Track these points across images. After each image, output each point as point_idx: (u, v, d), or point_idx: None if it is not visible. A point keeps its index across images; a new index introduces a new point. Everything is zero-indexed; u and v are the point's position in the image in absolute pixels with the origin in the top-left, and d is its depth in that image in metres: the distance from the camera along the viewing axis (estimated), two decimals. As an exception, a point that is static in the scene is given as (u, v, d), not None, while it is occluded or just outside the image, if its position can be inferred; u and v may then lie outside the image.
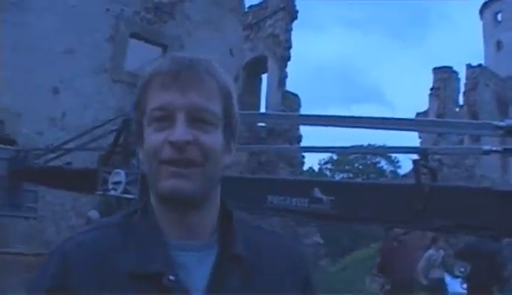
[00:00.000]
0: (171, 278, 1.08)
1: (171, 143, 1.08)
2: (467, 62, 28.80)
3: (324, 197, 3.48)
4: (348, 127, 3.98)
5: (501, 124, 2.99)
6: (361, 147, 5.11)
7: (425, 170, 3.53)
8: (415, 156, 3.51)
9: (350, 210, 3.49)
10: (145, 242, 1.13)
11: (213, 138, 1.13)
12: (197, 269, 1.13)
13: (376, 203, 3.39)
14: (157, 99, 1.12)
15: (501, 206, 2.87)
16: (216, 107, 1.14)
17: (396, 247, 9.24)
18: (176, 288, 1.07)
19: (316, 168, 46.59)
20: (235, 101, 1.22)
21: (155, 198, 1.17)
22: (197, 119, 1.11)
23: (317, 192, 3.54)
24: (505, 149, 3.50)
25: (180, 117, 1.10)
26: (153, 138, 1.11)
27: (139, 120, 1.18)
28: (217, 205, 1.22)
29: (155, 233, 1.14)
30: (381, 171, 47.54)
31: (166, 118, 1.11)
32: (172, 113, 1.10)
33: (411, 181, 3.45)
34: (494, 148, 3.57)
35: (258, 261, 1.19)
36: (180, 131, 1.08)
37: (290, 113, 12.29)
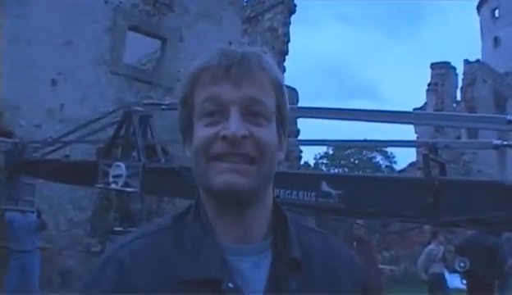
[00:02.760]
0: (230, 285, 1.02)
1: (226, 138, 1.02)
2: (462, 58, 28.84)
3: (332, 191, 3.44)
4: (348, 120, 3.94)
5: (513, 118, 2.94)
6: (365, 141, 5.03)
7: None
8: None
9: (359, 204, 3.45)
10: (200, 246, 1.07)
11: (269, 133, 1.06)
12: (253, 274, 1.07)
13: (385, 197, 3.35)
14: (208, 92, 1.06)
15: (513, 200, 2.83)
16: (269, 101, 1.08)
17: (356, 249, 8.25)
18: (235, 294, 1.02)
19: (312, 163, 46.66)
20: (286, 94, 1.15)
21: (207, 197, 1.10)
22: (251, 113, 1.05)
23: (324, 186, 3.49)
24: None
25: (234, 110, 1.03)
26: (202, 133, 1.05)
27: (188, 117, 1.11)
28: (269, 205, 1.14)
29: (209, 237, 1.08)
30: (377, 166, 47.63)
31: (218, 112, 1.05)
32: (225, 107, 1.04)
33: (410, 175, 3.40)
34: (505, 143, 3.54)
35: (314, 265, 1.14)
36: (236, 125, 1.02)
37: (290, 106, 12.20)
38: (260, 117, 1.06)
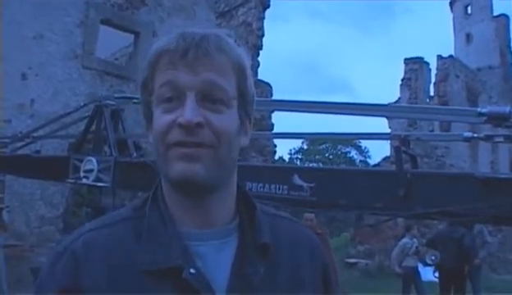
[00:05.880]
0: (192, 271, 1.00)
1: (181, 126, 0.99)
2: (436, 54, 29.09)
3: (304, 184, 3.42)
4: (323, 113, 3.91)
5: (484, 110, 2.95)
6: (338, 133, 5.02)
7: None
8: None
9: (331, 197, 3.43)
10: (159, 234, 1.04)
11: (226, 119, 1.04)
12: (216, 258, 1.05)
13: (357, 190, 3.34)
14: (166, 76, 1.03)
15: (484, 192, 2.84)
16: (229, 85, 1.05)
17: None
18: (198, 281, 0.99)
19: (286, 158, 46.87)
20: (249, 76, 1.12)
21: (166, 185, 1.08)
22: (208, 98, 1.02)
23: (296, 179, 3.48)
24: (487, 135, 3.47)
25: (191, 96, 1.01)
26: (161, 120, 1.02)
27: (147, 101, 1.09)
28: (233, 191, 1.13)
29: (168, 224, 1.05)
30: (352, 161, 48.05)
31: (175, 98, 1.02)
32: (181, 92, 1.01)
33: (383, 168, 3.41)
34: (475, 135, 3.55)
35: (279, 250, 1.12)
36: (191, 112, 0.99)
37: (264, 98, 12.19)
38: (218, 103, 1.03)
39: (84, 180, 5.23)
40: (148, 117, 1.10)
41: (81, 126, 6.06)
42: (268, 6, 20.52)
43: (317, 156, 48.44)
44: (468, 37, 44.44)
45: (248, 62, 1.12)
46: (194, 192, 1.04)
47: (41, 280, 1.05)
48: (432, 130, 23.14)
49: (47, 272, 1.05)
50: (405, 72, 28.54)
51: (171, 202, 1.08)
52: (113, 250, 1.03)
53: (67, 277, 1.00)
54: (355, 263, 19.00)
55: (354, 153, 49.90)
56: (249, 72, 1.12)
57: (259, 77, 20.10)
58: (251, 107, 1.13)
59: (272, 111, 14.47)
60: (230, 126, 1.05)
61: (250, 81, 1.12)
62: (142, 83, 1.11)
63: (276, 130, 18.41)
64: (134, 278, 0.99)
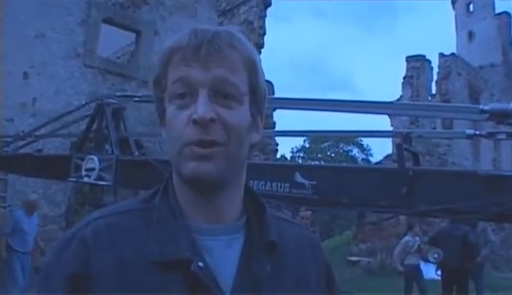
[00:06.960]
0: (200, 264, 1.00)
1: (195, 122, 1.00)
2: (437, 52, 28.96)
3: (306, 182, 3.42)
4: (325, 110, 3.90)
5: (486, 107, 2.95)
6: (341, 131, 5.02)
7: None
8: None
9: (333, 195, 3.42)
10: (168, 226, 1.05)
11: (238, 115, 1.05)
12: (223, 254, 1.06)
13: (359, 188, 3.34)
14: (178, 73, 1.04)
15: (487, 189, 2.84)
16: (240, 82, 1.06)
17: None
18: (205, 275, 1.00)
19: (288, 156, 46.85)
20: (260, 73, 1.12)
21: (177, 180, 1.09)
22: (220, 94, 1.03)
23: (298, 177, 3.47)
24: (489, 133, 3.47)
25: (203, 92, 1.01)
26: (176, 117, 1.04)
27: (159, 97, 1.10)
28: (242, 189, 1.14)
29: (178, 217, 1.07)
30: (354, 159, 47.98)
31: (187, 94, 1.03)
32: (194, 89, 1.02)
33: (385, 166, 3.40)
34: (477, 132, 3.55)
35: (285, 251, 1.14)
36: (203, 108, 1.00)
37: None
38: (230, 99, 1.04)
39: (86, 179, 5.24)
40: (161, 113, 1.11)
41: (83, 125, 6.06)
42: (270, 5, 20.47)
43: (318, 155, 48.42)
44: (470, 35, 44.40)
45: (259, 59, 1.13)
46: (205, 189, 1.05)
47: (48, 267, 1.04)
48: (434, 128, 23.11)
49: (54, 258, 1.04)
50: (407, 70, 28.45)
51: (181, 197, 1.09)
52: (122, 239, 1.03)
53: (76, 263, 1.00)
54: (357, 261, 18.98)
55: (355, 151, 49.88)
56: (260, 69, 1.12)
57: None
58: (262, 104, 1.14)
59: (274, 109, 14.47)
60: (242, 122, 1.06)
61: (262, 77, 1.13)
62: (154, 79, 1.12)
63: (277, 128, 18.43)
64: (143, 268, 1.00)
